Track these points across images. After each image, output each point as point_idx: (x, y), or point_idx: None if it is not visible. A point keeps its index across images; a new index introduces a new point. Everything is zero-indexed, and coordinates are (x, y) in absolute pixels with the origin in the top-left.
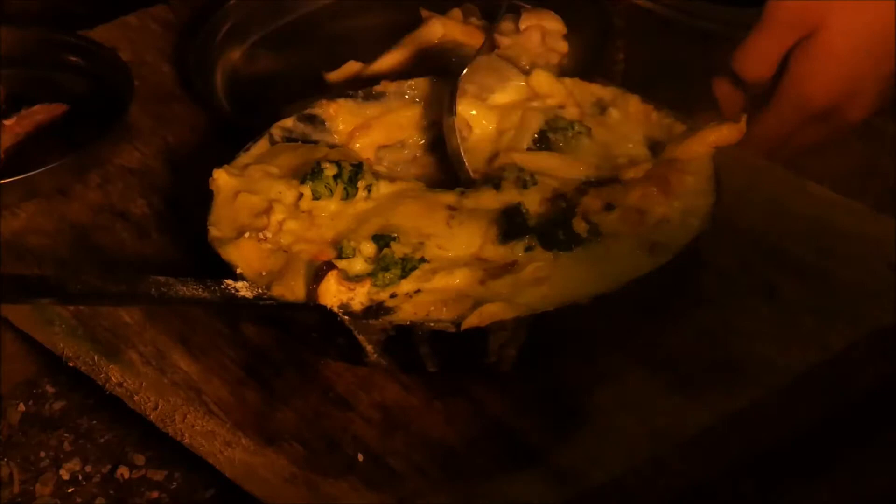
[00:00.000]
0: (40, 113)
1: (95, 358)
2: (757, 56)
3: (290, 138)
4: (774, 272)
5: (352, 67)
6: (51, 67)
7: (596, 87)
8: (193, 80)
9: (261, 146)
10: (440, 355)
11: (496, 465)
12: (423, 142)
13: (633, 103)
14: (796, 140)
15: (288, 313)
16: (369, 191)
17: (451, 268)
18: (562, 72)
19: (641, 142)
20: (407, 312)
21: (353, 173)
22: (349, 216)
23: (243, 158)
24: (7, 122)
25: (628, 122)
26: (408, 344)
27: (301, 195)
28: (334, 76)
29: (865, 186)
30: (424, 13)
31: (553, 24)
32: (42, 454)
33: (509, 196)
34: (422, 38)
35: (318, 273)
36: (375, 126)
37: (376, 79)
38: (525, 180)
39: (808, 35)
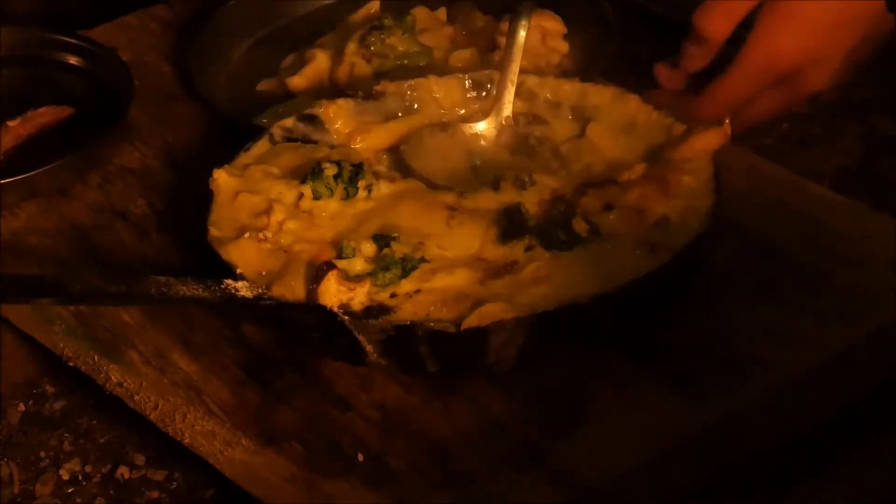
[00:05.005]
0: (46, 115)
1: (95, 358)
2: (720, 11)
3: (290, 138)
4: (774, 272)
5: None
6: (51, 67)
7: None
8: (193, 80)
9: (261, 146)
10: (440, 355)
11: (496, 465)
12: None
13: (633, 103)
14: (756, 106)
15: (288, 313)
16: (369, 191)
17: (451, 268)
18: (562, 72)
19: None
20: (407, 312)
21: (353, 173)
22: (349, 216)
23: (243, 158)
24: (11, 124)
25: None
26: (408, 344)
27: (301, 195)
28: (298, 81)
29: (865, 186)
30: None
31: (553, 24)
32: (42, 454)
33: (509, 196)
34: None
35: (318, 273)
36: (375, 127)
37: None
38: (524, 181)
39: None
